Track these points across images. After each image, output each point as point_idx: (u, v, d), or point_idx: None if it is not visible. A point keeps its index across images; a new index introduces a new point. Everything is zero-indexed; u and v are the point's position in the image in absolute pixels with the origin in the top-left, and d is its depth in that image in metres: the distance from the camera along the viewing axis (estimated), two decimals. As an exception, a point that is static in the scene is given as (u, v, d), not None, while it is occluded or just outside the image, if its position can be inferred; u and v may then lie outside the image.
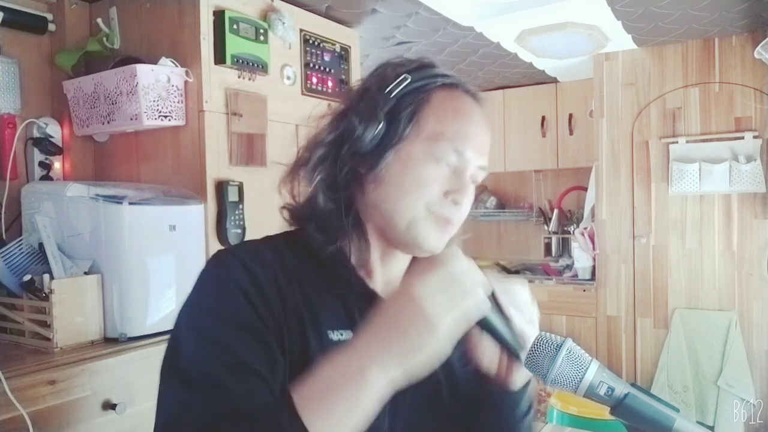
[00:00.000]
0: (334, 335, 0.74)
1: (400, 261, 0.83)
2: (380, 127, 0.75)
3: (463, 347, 0.74)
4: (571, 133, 3.59)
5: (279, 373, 0.69)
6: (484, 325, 0.68)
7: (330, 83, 2.33)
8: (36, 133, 1.98)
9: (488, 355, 0.76)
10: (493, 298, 0.69)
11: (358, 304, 0.77)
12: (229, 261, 0.74)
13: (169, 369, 0.69)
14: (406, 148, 0.76)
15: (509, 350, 0.71)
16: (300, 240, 0.78)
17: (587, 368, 0.62)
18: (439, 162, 0.76)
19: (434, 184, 0.76)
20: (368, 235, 0.80)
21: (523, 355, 0.68)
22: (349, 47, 2.44)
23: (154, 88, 1.78)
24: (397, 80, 0.77)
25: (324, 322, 0.74)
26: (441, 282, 0.61)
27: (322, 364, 0.61)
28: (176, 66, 1.85)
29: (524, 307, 0.74)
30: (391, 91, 0.76)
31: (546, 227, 3.84)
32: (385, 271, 0.82)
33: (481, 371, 0.77)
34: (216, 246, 1.83)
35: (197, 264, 0.91)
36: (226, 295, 0.71)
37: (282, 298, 0.72)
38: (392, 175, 0.76)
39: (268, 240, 0.81)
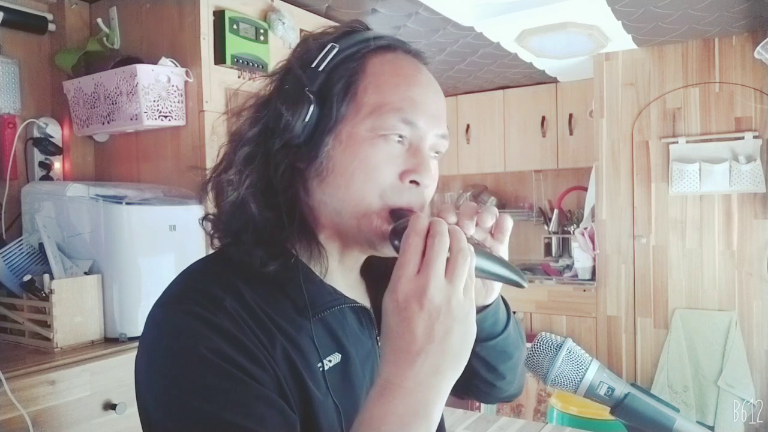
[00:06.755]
0: (324, 365, 0.64)
1: (359, 258, 0.73)
2: (311, 109, 0.63)
3: None
4: (571, 133, 3.59)
5: None
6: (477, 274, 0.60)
7: (330, 83, 2.32)
8: (36, 133, 1.97)
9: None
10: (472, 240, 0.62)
11: (336, 320, 0.67)
12: (184, 322, 0.58)
13: None
14: (347, 128, 0.64)
15: (502, 280, 0.64)
16: (244, 263, 0.64)
17: (587, 368, 0.62)
18: (388, 138, 0.64)
19: (386, 166, 0.64)
20: (321, 239, 0.68)
21: (511, 271, 0.63)
22: (349, 47, 2.43)
23: (154, 88, 1.78)
24: (323, 51, 0.65)
25: (310, 357, 0.63)
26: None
27: (366, 418, 0.52)
28: (176, 66, 1.85)
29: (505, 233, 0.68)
30: (317, 65, 0.64)
31: (546, 227, 3.83)
32: (346, 274, 0.72)
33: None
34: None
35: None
36: (205, 365, 0.55)
37: (264, 345, 0.59)
38: (335, 164, 0.64)
39: (208, 275, 0.65)
